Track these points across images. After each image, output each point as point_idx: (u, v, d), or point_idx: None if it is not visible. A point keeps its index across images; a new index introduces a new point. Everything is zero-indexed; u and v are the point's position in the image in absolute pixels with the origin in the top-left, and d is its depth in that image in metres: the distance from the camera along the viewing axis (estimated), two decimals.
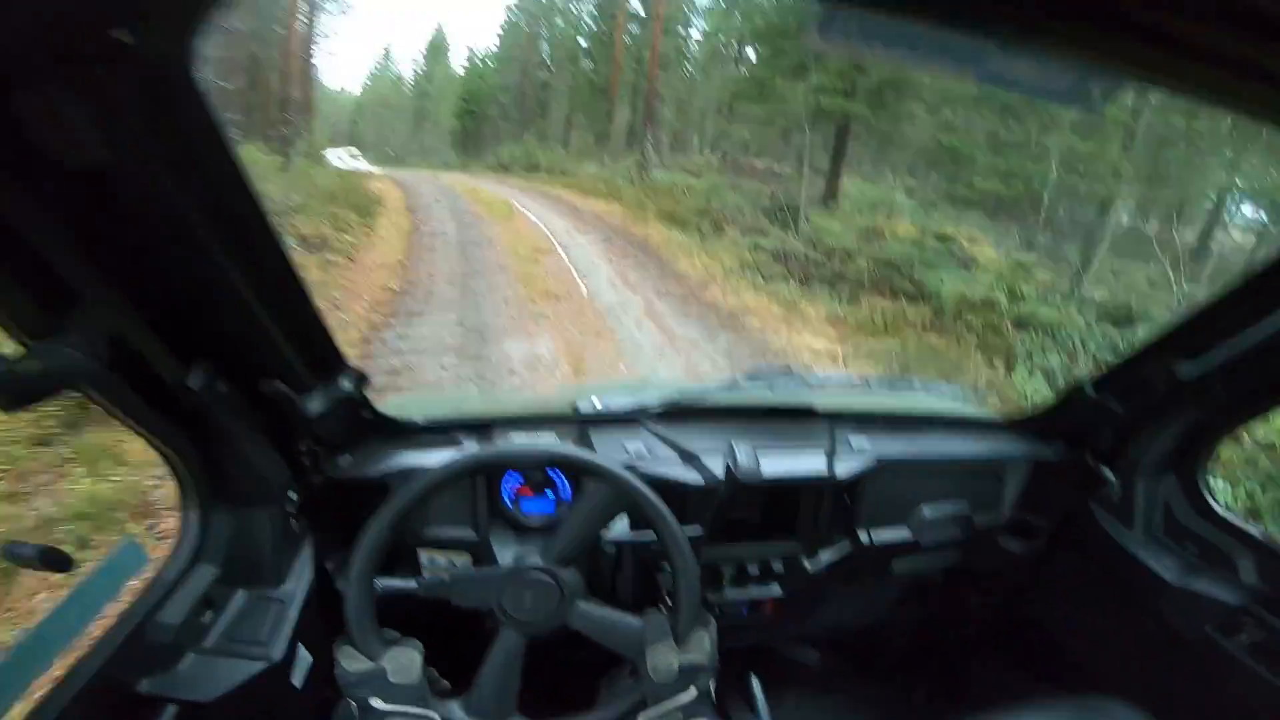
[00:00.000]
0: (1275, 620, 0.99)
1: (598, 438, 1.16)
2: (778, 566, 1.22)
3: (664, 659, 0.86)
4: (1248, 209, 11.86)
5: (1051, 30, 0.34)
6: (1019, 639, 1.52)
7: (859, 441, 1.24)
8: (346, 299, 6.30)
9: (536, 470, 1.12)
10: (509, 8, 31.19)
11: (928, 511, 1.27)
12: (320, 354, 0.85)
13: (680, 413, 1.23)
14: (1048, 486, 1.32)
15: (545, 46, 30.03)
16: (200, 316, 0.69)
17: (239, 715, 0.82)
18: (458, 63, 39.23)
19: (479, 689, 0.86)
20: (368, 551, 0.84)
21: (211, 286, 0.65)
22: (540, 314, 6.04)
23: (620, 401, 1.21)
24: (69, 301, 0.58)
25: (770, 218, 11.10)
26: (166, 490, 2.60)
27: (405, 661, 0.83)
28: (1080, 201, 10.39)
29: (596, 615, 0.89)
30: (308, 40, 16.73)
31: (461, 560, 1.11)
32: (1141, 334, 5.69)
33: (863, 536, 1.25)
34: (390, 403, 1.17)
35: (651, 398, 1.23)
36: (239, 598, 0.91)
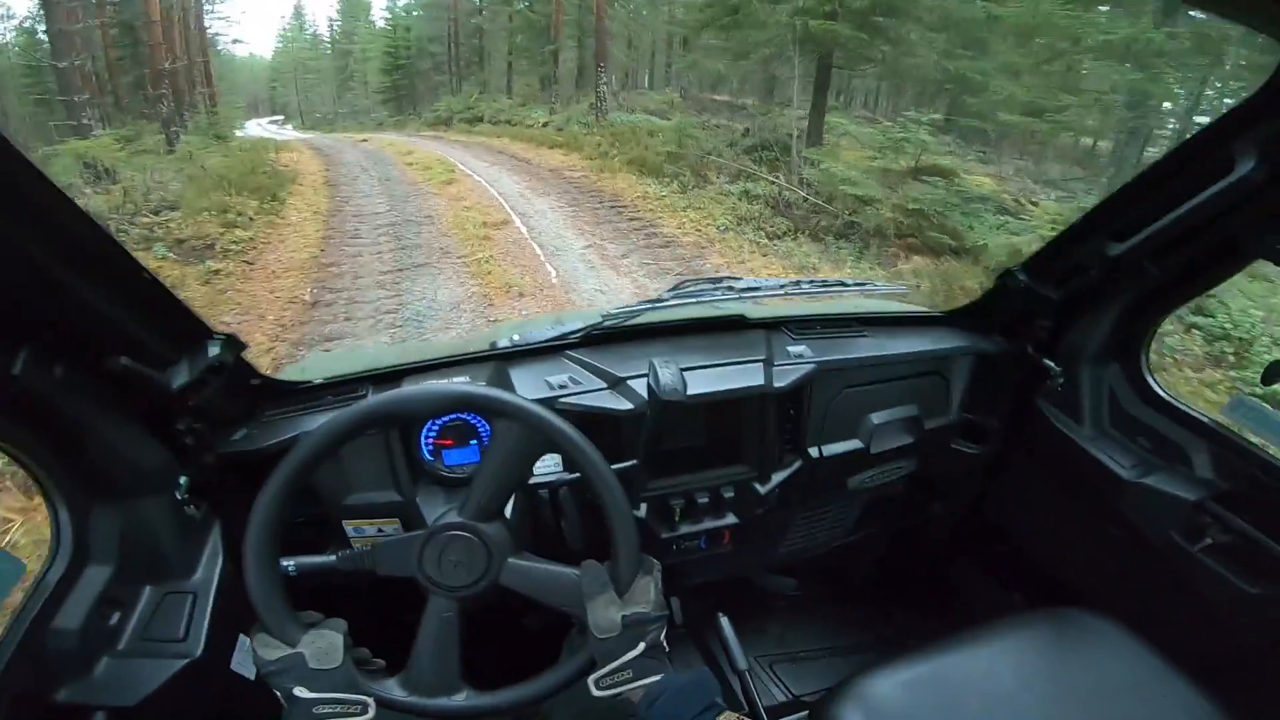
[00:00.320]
0: (1235, 519, 1.00)
1: (517, 373, 1.09)
2: (729, 493, 1.18)
3: (605, 613, 0.76)
4: None
5: None
6: (990, 549, 1.54)
7: (796, 349, 1.21)
8: (240, 322, 4.71)
9: (453, 418, 1.03)
10: None
11: (876, 418, 1.25)
12: (177, 326, 0.80)
13: (605, 337, 1.18)
14: (993, 382, 1.33)
15: None
16: (11, 303, 0.63)
17: (174, 715, 0.81)
18: (379, 15, 35.83)
19: (415, 663, 0.78)
20: (258, 530, 0.75)
21: (13, 270, 0.60)
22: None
23: (541, 333, 1.17)
24: None
25: (755, 159, 9.57)
26: None
27: (325, 644, 0.74)
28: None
29: (529, 571, 0.80)
30: (192, 7, 14.65)
31: (392, 527, 1.02)
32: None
33: (813, 452, 1.22)
34: (290, 368, 1.10)
35: (574, 325, 1.17)
36: (147, 595, 0.87)
